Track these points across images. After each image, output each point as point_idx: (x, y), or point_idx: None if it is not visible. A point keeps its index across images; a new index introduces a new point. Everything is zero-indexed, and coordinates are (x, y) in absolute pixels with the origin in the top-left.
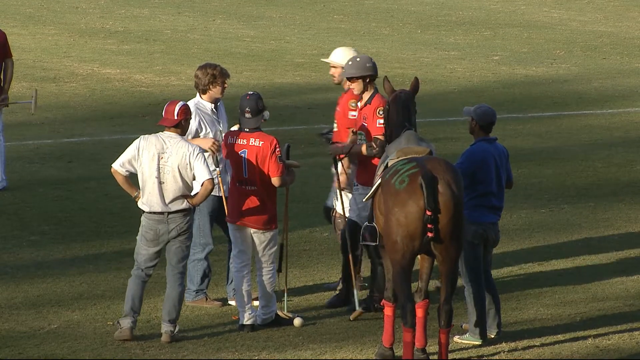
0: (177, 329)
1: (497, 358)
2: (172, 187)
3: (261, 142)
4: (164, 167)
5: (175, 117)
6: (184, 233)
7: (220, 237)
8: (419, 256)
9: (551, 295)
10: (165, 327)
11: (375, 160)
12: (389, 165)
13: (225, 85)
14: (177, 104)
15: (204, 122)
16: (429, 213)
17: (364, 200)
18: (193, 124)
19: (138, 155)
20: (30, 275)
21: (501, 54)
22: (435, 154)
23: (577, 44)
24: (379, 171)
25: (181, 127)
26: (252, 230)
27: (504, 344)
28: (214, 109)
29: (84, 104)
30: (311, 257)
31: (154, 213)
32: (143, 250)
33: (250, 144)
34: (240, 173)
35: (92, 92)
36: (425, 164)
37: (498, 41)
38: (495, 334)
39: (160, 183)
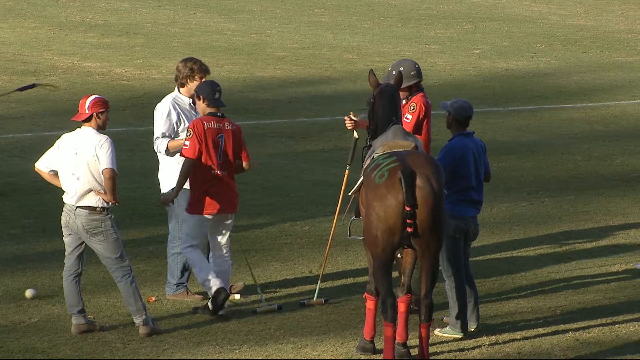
0: (143, 317)
1: (478, 351)
2: (85, 181)
3: (234, 126)
4: (78, 163)
5: (87, 111)
6: (96, 233)
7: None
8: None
9: (531, 289)
10: (135, 321)
11: None
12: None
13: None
14: (89, 98)
15: (182, 118)
16: (407, 208)
17: (349, 194)
18: (172, 119)
19: (58, 153)
20: (10, 268)
21: (482, 47)
22: (420, 148)
23: (558, 37)
24: (365, 165)
25: (95, 120)
26: (224, 216)
27: (484, 338)
28: (191, 104)
29: (64, 98)
30: (292, 250)
31: (67, 204)
32: (63, 236)
33: (226, 128)
34: (215, 158)
35: (73, 86)
36: (405, 159)
37: (479, 35)
38: (474, 327)
39: (77, 179)
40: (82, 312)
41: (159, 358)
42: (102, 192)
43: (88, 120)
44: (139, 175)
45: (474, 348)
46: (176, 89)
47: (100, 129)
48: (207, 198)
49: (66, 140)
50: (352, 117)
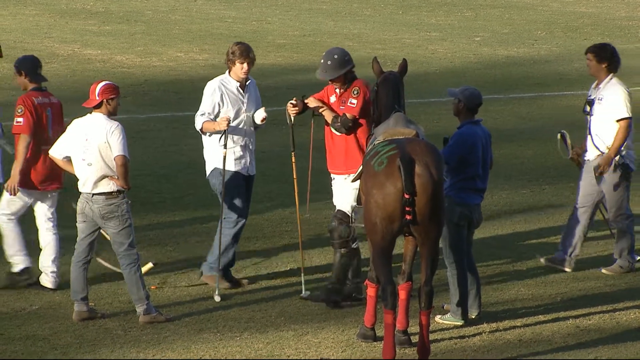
0: (144, 307)
1: (479, 339)
2: (97, 168)
3: (56, 99)
4: (89, 149)
5: (97, 98)
6: (111, 218)
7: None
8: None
9: (532, 276)
10: (137, 309)
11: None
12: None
13: (244, 65)
14: (99, 84)
15: (226, 99)
16: (406, 196)
17: (351, 181)
18: (215, 99)
19: (70, 139)
20: None
21: (482, 34)
22: (422, 136)
23: (558, 24)
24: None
25: (105, 106)
26: (52, 192)
27: (485, 325)
28: (239, 88)
29: (65, 85)
30: (293, 238)
31: (83, 192)
32: (77, 222)
33: (51, 101)
34: (46, 132)
35: (73, 73)
36: (404, 146)
37: (479, 22)
38: (475, 314)
39: (88, 165)
40: (85, 299)
41: (160, 345)
42: (115, 177)
43: (98, 106)
44: (139, 162)
45: (474, 335)
46: (227, 72)
47: (111, 114)
48: (35, 173)
49: (76, 126)
50: (294, 102)
